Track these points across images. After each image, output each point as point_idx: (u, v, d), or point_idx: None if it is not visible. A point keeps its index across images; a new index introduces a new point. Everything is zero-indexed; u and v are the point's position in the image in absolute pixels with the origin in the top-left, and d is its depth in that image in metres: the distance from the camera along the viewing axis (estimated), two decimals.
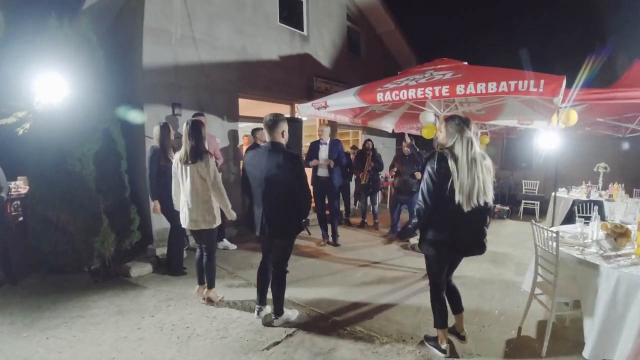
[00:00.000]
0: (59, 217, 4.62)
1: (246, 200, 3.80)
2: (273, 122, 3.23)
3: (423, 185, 2.72)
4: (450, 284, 3.10)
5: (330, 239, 6.42)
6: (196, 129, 3.66)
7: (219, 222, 3.86)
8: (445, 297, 2.99)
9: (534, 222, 3.25)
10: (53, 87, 4.38)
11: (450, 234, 2.71)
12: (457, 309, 3.11)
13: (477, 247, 2.78)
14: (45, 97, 4.44)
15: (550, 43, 13.88)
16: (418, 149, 6.11)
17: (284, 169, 3.13)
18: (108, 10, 6.36)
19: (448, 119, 2.81)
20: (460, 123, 2.70)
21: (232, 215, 3.85)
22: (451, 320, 3.07)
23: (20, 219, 6.06)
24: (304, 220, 3.49)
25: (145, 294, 4.24)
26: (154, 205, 4.61)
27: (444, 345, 2.93)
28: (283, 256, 3.40)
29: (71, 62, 4.58)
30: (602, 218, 3.73)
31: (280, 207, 3.23)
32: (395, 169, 6.53)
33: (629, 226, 3.18)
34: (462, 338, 3.09)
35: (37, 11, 5.78)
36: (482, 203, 2.63)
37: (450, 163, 2.59)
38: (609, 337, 2.56)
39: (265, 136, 3.32)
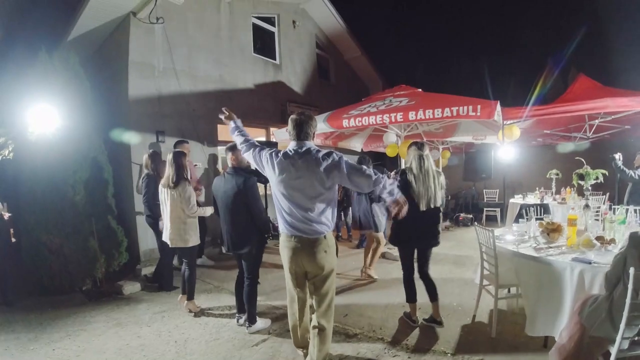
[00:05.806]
0: (53, 240, 4.91)
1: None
2: (228, 149, 3.80)
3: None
4: (426, 275, 3.73)
5: None
6: (177, 159, 4.20)
7: (196, 242, 4.31)
8: (413, 279, 3.74)
9: (476, 224, 3.86)
10: (45, 118, 4.70)
11: (412, 230, 3.55)
12: (433, 297, 3.67)
13: (433, 238, 3.66)
14: (38, 127, 4.76)
15: (507, 64, 14.98)
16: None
17: (238, 190, 3.56)
18: (91, 42, 6.78)
19: (409, 146, 3.67)
20: (414, 147, 3.64)
21: (207, 212, 4.41)
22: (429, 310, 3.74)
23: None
24: (267, 235, 3.84)
25: (140, 308, 4.57)
26: (161, 223, 4.70)
27: (414, 317, 3.73)
28: (251, 268, 3.73)
29: (61, 93, 4.93)
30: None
31: (239, 225, 3.65)
32: None
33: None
34: (439, 323, 3.65)
35: (26, 42, 6.11)
36: (433, 206, 3.52)
37: (409, 175, 3.52)
38: (545, 315, 2.94)
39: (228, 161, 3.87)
